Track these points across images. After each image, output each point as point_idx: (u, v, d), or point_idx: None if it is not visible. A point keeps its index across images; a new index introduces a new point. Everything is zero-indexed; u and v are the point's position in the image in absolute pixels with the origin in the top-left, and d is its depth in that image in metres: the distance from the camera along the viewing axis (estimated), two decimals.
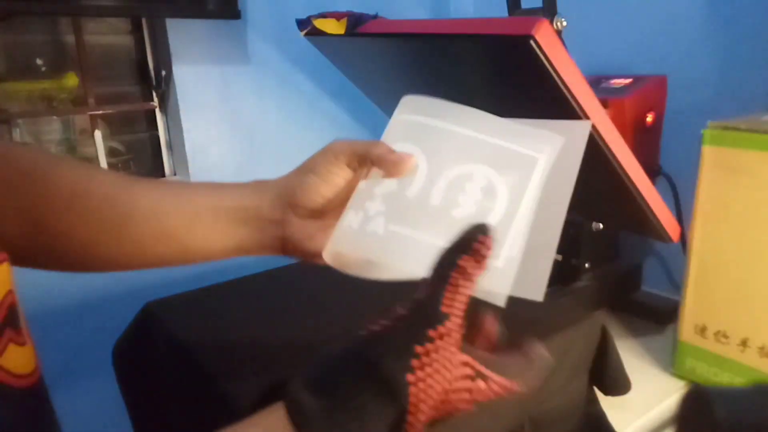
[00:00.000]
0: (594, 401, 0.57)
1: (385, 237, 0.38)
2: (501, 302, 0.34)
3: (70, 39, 0.91)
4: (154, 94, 1.00)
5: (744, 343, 0.58)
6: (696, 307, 0.62)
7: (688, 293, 0.62)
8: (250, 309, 0.72)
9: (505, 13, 0.75)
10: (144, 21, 0.97)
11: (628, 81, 0.76)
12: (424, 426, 0.30)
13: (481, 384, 0.31)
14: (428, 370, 0.29)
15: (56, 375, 0.90)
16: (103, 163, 0.97)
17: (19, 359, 0.32)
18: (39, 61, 0.91)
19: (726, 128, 0.56)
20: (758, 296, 0.56)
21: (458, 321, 0.30)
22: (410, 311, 0.31)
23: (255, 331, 0.66)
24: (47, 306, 0.89)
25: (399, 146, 0.41)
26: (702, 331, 0.61)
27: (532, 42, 0.48)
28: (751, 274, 0.57)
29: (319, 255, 0.41)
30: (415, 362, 0.29)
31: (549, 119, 0.42)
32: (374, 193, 0.40)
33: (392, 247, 0.38)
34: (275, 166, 1.04)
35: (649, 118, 0.75)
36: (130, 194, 0.40)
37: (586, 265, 0.77)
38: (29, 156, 0.39)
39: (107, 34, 0.97)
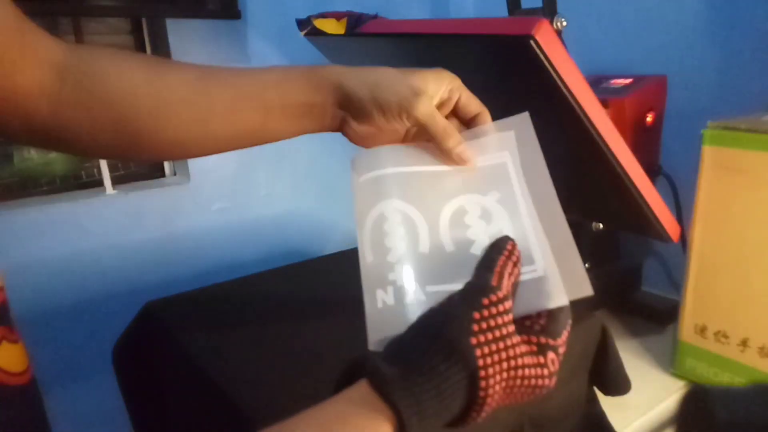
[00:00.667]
0: (594, 401, 0.57)
1: (429, 301, 0.37)
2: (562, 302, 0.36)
3: (70, 39, 0.91)
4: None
5: (744, 343, 0.58)
6: (696, 307, 0.62)
7: (688, 293, 0.62)
8: (250, 309, 0.72)
9: (505, 13, 0.75)
10: (144, 21, 0.97)
11: (628, 81, 0.76)
12: (499, 400, 0.32)
13: (550, 355, 0.33)
14: (489, 336, 0.31)
15: (56, 375, 0.90)
16: (104, 164, 0.97)
17: (12, 357, 0.33)
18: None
19: (726, 128, 0.56)
20: (758, 296, 0.56)
21: (508, 295, 0.33)
22: (463, 289, 0.33)
23: (255, 331, 0.66)
24: (47, 306, 0.89)
25: (383, 207, 0.41)
26: (702, 331, 0.61)
27: (532, 42, 0.48)
28: (751, 274, 0.57)
29: (366, 144, 0.45)
30: (475, 327, 0.31)
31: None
32: (390, 263, 0.39)
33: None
34: (275, 167, 1.04)
35: (649, 118, 0.75)
36: (206, 97, 0.42)
37: (586, 265, 0.77)
38: (112, 71, 0.40)
39: (107, 34, 0.97)
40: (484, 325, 0.31)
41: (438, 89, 0.43)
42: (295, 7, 0.93)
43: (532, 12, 0.68)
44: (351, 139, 0.46)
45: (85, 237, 0.92)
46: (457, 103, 0.44)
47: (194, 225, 1.02)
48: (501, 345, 0.31)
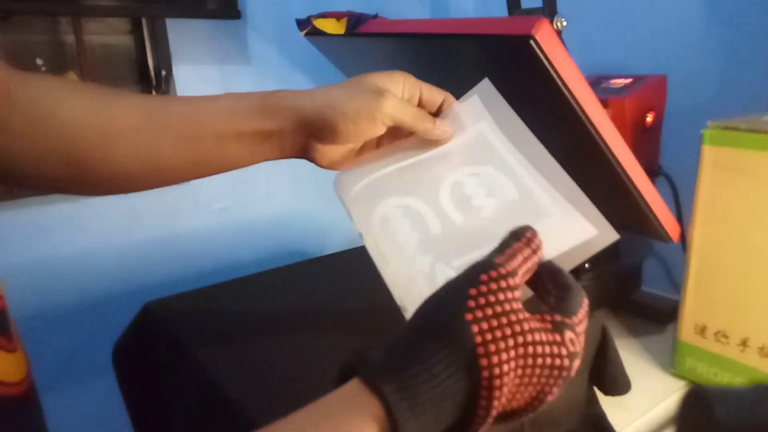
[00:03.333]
0: (594, 401, 0.57)
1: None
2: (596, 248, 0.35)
3: (70, 39, 0.91)
4: (154, 93, 1.00)
5: (744, 343, 0.58)
6: (696, 307, 0.62)
7: (688, 293, 0.62)
8: (250, 309, 0.72)
9: (505, 13, 0.75)
10: (144, 21, 0.97)
11: (628, 81, 0.76)
12: (514, 386, 0.28)
13: (567, 334, 0.29)
14: (489, 311, 0.28)
15: (56, 375, 0.91)
16: None
17: (8, 367, 0.32)
18: (39, 61, 0.91)
19: (726, 128, 0.56)
20: (758, 296, 0.56)
21: (513, 272, 0.30)
22: (462, 271, 0.30)
23: (255, 331, 0.66)
24: (47, 306, 0.89)
25: (381, 210, 0.41)
26: (702, 331, 0.61)
27: (532, 42, 0.48)
28: (751, 274, 0.57)
29: (336, 166, 0.44)
30: (471, 303, 0.28)
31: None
32: (410, 257, 0.38)
33: None
34: (275, 167, 1.04)
35: (649, 118, 0.75)
36: (156, 128, 0.41)
37: (586, 265, 0.77)
38: (52, 99, 0.39)
39: (107, 34, 0.97)
40: (482, 301, 0.28)
41: (398, 88, 0.42)
42: (295, 7, 0.93)
43: (532, 12, 0.68)
44: (319, 164, 0.45)
45: (85, 237, 0.92)
46: (420, 98, 0.44)
47: (194, 225, 1.02)
48: (504, 320, 0.28)
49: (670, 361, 0.66)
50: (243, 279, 0.81)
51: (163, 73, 0.96)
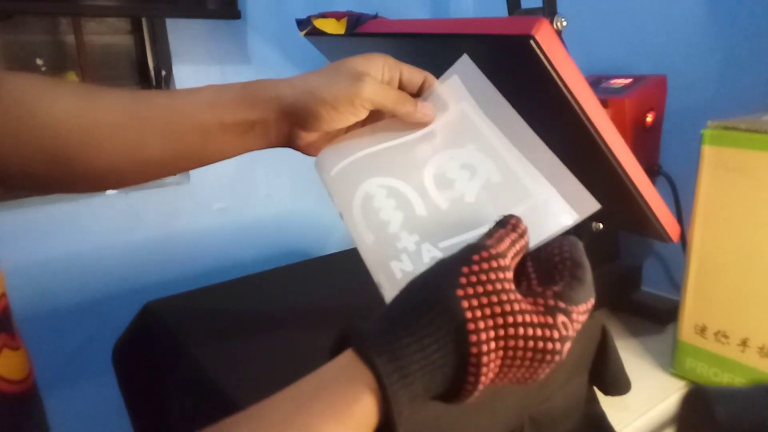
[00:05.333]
0: (594, 401, 0.57)
1: (444, 255, 0.37)
2: (571, 221, 0.36)
3: (70, 39, 0.91)
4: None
5: (744, 343, 0.58)
6: (696, 307, 0.62)
7: (688, 293, 0.62)
8: (250, 309, 0.72)
9: (505, 13, 0.75)
10: (144, 21, 0.97)
11: (628, 81, 0.76)
12: (500, 364, 0.29)
13: (560, 317, 0.30)
14: (479, 289, 0.28)
15: (56, 375, 0.91)
16: None
17: (13, 364, 0.32)
18: (39, 61, 0.91)
19: (726, 128, 0.56)
20: (758, 296, 0.56)
21: (504, 253, 0.30)
22: (454, 253, 0.31)
23: (255, 331, 0.66)
24: (47, 306, 0.89)
25: (365, 188, 0.41)
26: (702, 331, 0.61)
27: (532, 42, 0.48)
28: (751, 274, 0.57)
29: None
30: (462, 280, 0.28)
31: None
32: (394, 233, 0.38)
33: None
34: (275, 167, 1.04)
35: (649, 118, 0.75)
36: (139, 122, 0.41)
37: None
38: (32, 97, 0.39)
39: (107, 34, 0.97)
40: (473, 279, 0.28)
41: (377, 71, 0.42)
42: (295, 7, 0.94)
43: (532, 12, 0.68)
44: (305, 152, 0.45)
45: (85, 237, 0.92)
46: (401, 80, 0.44)
47: (194, 225, 1.02)
48: (494, 299, 0.28)
49: (670, 361, 0.66)
50: (243, 279, 0.81)
51: (163, 73, 0.96)
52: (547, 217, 0.36)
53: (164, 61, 0.96)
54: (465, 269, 0.29)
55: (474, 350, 0.27)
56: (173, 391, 0.68)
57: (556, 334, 0.29)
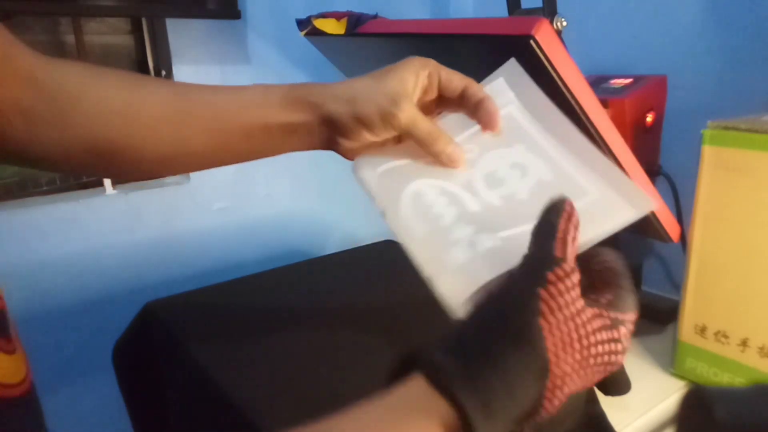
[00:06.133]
0: (594, 401, 0.57)
1: (505, 246, 0.35)
2: (634, 217, 0.35)
3: (70, 39, 0.91)
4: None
5: (744, 343, 0.58)
6: (696, 307, 0.62)
7: (688, 293, 0.62)
8: (250, 309, 0.72)
9: (505, 13, 0.75)
10: (144, 21, 0.97)
11: (628, 81, 0.76)
12: (572, 386, 0.29)
13: (622, 330, 0.30)
14: (558, 316, 0.28)
15: (56, 375, 0.91)
16: None
17: (8, 368, 0.32)
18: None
19: (726, 128, 0.56)
20: (758, 296, 0.56)
21: (573, 266, 0.29)
22: (523, 264, 0.30)
23: (255, 330, 0.66)
24: (47, 306, 0.89)
25: (413, 187, 0.40)
26: (702, 331, 0.61)
27: (532, 42, 0.48)
28: (751, 274, 0.57)
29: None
30: (543, 307, 0.27)
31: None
32: (447, 226, 0.37)
33: (516, 248, 0.35)
34: (275, 167, 1.04)
35: (649, 118, 0.75)
36: (184, 116, 0.41)
37: None
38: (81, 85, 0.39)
39: (107, 34, 0.97)
40: (552, 305, 0.27)
41: (415, 81, 0.42)
42: (295, 7, 0.93)
43: (532, 12, 0.68)
44: (345, 156, 0.45)
45: (85, 237, 0.92)
46: (439, 84, 0.43)
47: (194, 225, 1.02)
48: (572, 325, 0.28)
49: (670, 361, 0.66)
50: (243, 279, 0.81)
51: (163, 73, 0.96)
52: (607, 212, 0.35)
53: (164, 61, 0.96)
54: (543, 292, 0.28)
55: (554, 382, 0.27)
56: (173, 391, 0.68)
57: (620, 347, 0.30)
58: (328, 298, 0.74)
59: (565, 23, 0.59)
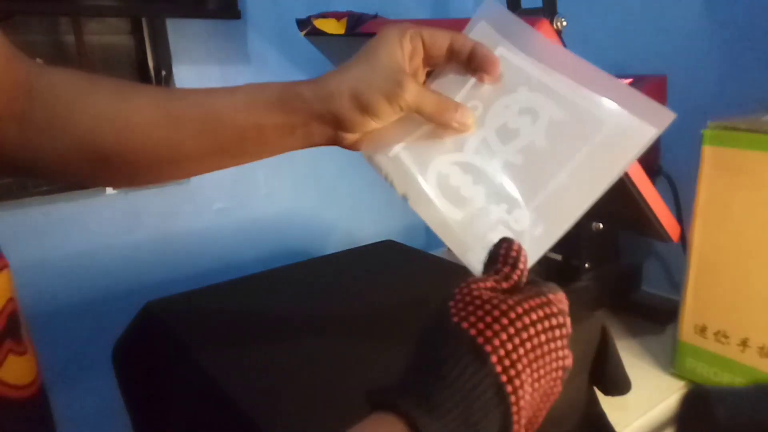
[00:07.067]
0: (594, 401, 0.57)
1: (540, 216, 0.35)
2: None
3: (70, 39, 0.91)
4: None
5: (744, 343, 0.58)
6: (696, 307, 0.62)
7: (688, 293, 0.62)
8: (251, 309, 0.72)
9: None
10: (144, 21, 0.97)
11: (627, 81, 0.76)
12: (519, 358, 0.28)
13: (551, 295, 0.30)
14: (469, 307, 0.29)
15: (56, 375, 0.90)
16: None
17: (18, 370, 0.32)
18: (39, 61, 0.91)
19: (726, 128, 0.56)
20: (758, 296, 0.56)
21: (484, 280, 0.30)
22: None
23: (255, 330, 0.66)
24: (47, 306, 0.89)
25: (435, 167, 0.40)
26: (702, 331, 0.61)
27: None
28: (751, 274, 0.57)
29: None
30: (451, 307, 0.29)
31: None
32: (483, 208, 0.37)
33: (550, 212, 0.35)
34: (275, 167, 1.04)
35: None
36: (175, 120, 0.40)
37: (586, 265, 0.77)
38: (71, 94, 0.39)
39: (107, 34, 0.97)
40: (459, 299, 0.29)
41: (402, 52, 0.40)
42: (295, 7, 0.93)
43: (532, 12, 0.67)
44: (350, 148, 0.44)
45: (85, 237, 0.92)
46: (424, 46, 0.41)
47: (194, 225, 1.02)
48: (488, 307, 0.28)
49: (670, 361, 0.66)
50: (243, 279, 0.81)
51: (163, 73, 0.96)
52: (627, 139, 0.35)
53: (164, 61, 0.96)
54: (451, 303, 0.29)
55: (494, 359, 0.27)
56: (173, 390, 0.68)
57: (555, 309, 0.29)
58: (328, 298, 0.74)
59: (565, 23, 0.59)
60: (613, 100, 0.37)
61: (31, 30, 0.89)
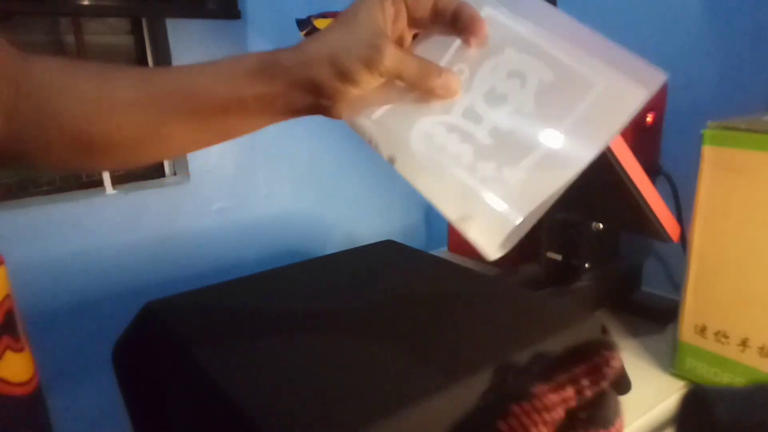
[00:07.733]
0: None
1: (531, 176, 0.34)
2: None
3: (70, 39, 0.91)
4: None
5: (744, 343, 0.58)
6: (696, 307, 0.62)
7: (688, 293, 0.62)
8: (251, 309, 0.72)
9: None
10: (144, 21, 0.97)
11: None
12: None
13: None
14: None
15: (56, 375, 0.91)
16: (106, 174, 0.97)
17: (16, 367, 0.32)
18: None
19: (726, 128, 0.56)
20: (758, 296, 0.56)
21: (553, 407, 0.29)
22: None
23: (255, 330, 0.66)
24: (47, 306, 0.89)
25: (421, 127, 0.38)
26: (702, 331, 0.61)
27: None
28: (751, 274, 0.57)
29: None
30: None
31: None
32: (468, 163, 0.35)
33: (541, 177, 0.34)
34: (275, 167, 1.04)
35: (649, 118, 0.75)
36: (155, 98, 0.40)
37: (586, 265, 0.77)
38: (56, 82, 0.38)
39: (107, 34, 0.97)
40: None
41: (384, 15, 0.38)
42: (295, 7, 0.93)
43: None
44: (332, 117, 0.42)
45: (85, 237, 0.92)
46: (407, 6, 0.39)
47: (194, 225, 1.02)
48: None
49: (670, 361, 0.66)
50: (243, 279, 0.81)
51: None
52: (619, 101, 0.34)
53: (164, 61, 0.96)
54: (503, 426, 0.27)
55: None
56: (173, 391, 0.68)
57: None
58: (328, 298, 0.74)
59: None
60: (605, 61, 0.36)
61: (31, 30, 0.89)
